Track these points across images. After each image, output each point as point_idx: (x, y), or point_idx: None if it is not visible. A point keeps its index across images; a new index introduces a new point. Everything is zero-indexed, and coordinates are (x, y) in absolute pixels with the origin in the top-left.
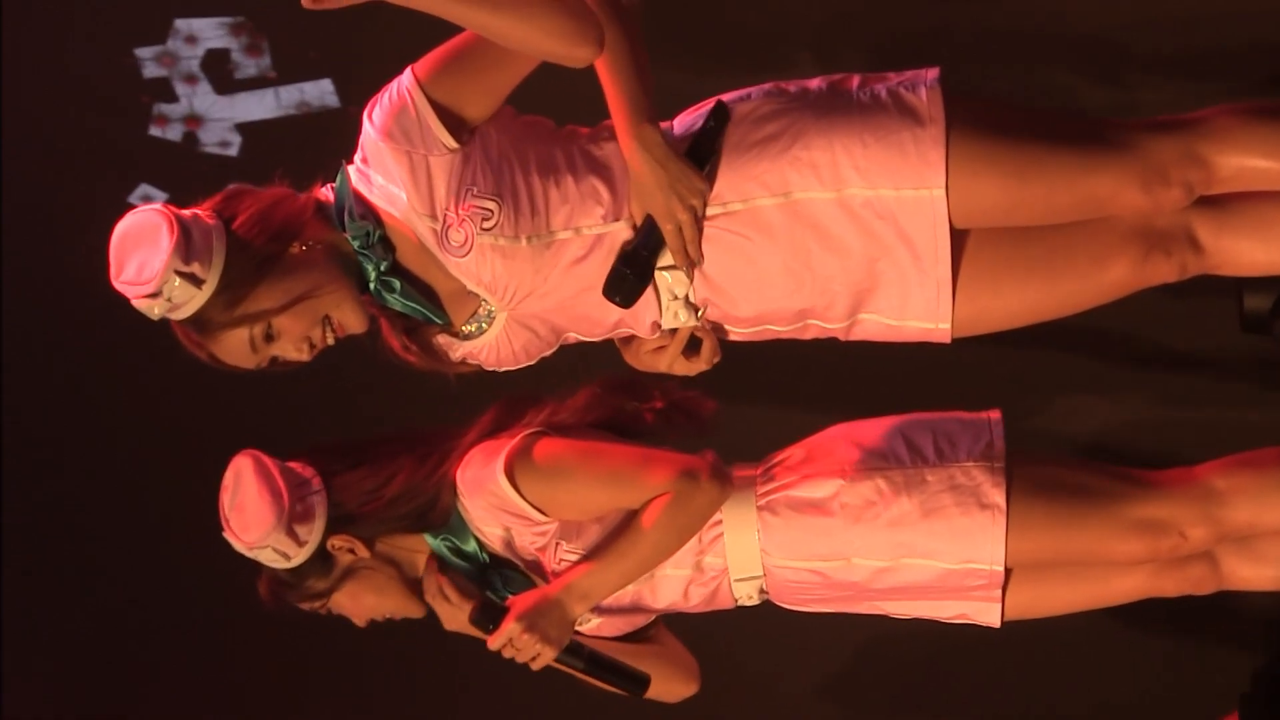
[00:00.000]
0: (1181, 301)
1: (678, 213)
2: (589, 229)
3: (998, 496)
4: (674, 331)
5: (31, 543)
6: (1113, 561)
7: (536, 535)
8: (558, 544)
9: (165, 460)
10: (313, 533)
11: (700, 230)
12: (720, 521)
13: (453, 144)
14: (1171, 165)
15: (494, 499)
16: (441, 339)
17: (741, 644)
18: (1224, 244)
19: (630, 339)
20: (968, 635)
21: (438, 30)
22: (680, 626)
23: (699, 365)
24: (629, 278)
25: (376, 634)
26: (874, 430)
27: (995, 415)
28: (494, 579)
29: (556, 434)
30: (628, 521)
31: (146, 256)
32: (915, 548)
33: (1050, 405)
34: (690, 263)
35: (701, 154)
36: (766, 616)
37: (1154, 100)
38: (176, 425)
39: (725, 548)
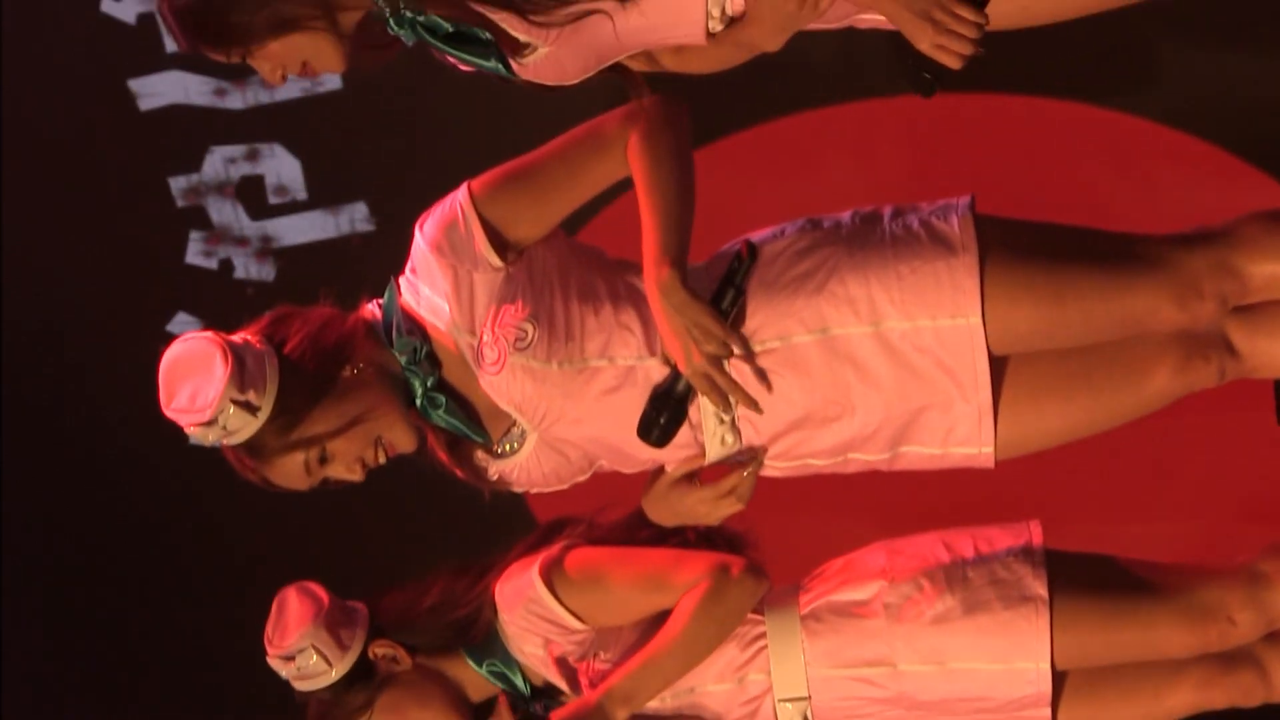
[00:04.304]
0: (1214, 402)
1: (694, 359)
2: (623, 360)
3: (1040, 588)
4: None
5: (32, 549)
6: (1162, 656)
7: (574, 645)
8: (595, 654)
9: (167, 468)
10: (355, 639)
11: (724, 374)
12: (764, 635)
13: (498, 263)
14: (1204, 278)
15: (532, 605)
16: (480, 455)
17: None
18: (1260, 346)
19: (652, 485)
20: None
21: (474, 155)
22: None
23: (725, 504)
24: (659, 421)
25: None
26: (913, 539)
27: (1035, 523)
28: (538, 713)
29: (592, 545)
30: (663, 618)
31: (200, 385)
32: (960, 650)
33: (1086, 511)
34: (726, 406)
35: (726, 297)
36: None
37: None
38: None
39: (769, 662)
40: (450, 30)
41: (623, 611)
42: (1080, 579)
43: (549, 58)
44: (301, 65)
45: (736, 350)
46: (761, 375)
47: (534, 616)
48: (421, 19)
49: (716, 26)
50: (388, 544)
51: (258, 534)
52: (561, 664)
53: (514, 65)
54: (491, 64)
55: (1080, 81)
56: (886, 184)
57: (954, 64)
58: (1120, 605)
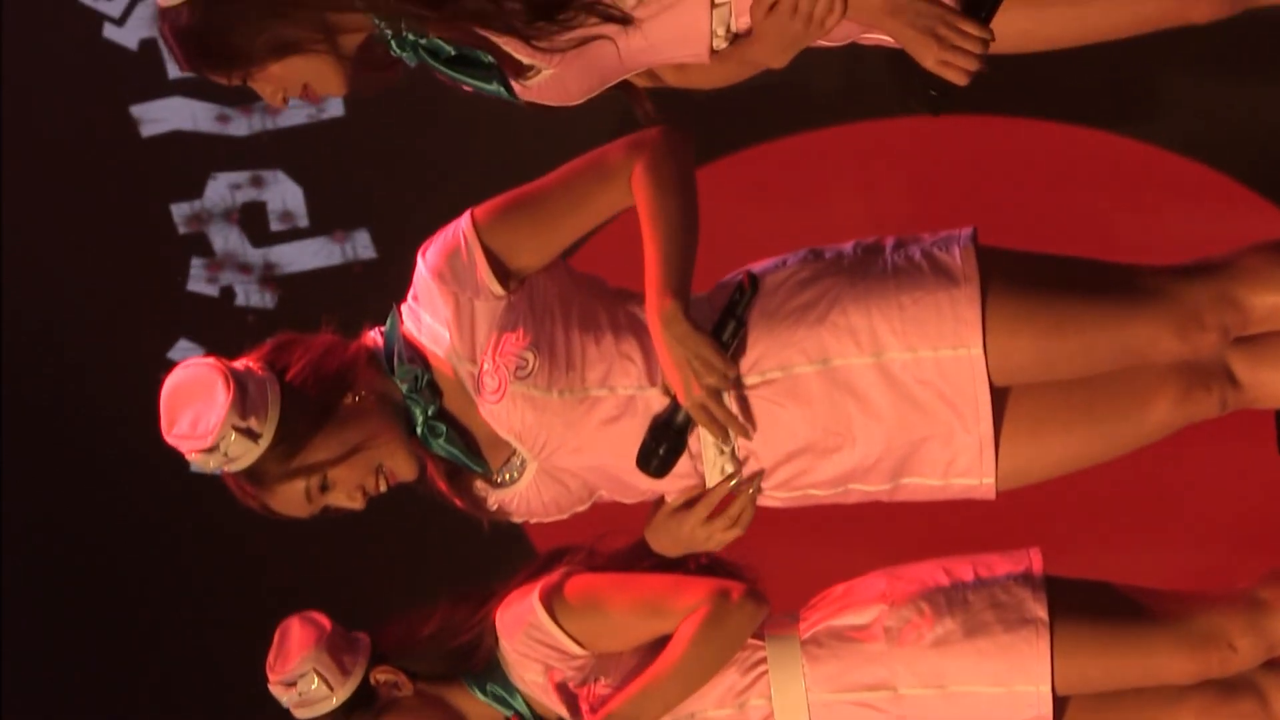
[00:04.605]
0: (1215, 431)
1: (694, 391)
2: (624, 389)
3: (1040, 611)
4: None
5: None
6: (1163, 682)
7: (574, 671)
8: (596, 679)
9: (166, 469)
10: (356, 665)
11: (722, 407)
12: (764, 660)
13: (500, 291)
14: (1206, 309)
15: (532, 631)
16: (479, 485)
17: None
18: (1262, 377)
19: (653, 516)
20: None
21: (477, 183)
22: None
23: (721, 524)
24: (658, 452)
25: None
26: (913, 565)
27: (1034, 550)
28: None
29: (592, 571)
30: (663, 644)
31: (201, 411)
32: (961, 673)
33: (1086, 539)
34: (724, 437)
35: (727, 328)
36: None
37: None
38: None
39: (770, 688)
40: (453, 53)
41: (623, 636)
42: (1080, 604)
43: (552, 79)
44: (302, 88)
45: (736, 382)
46: (763, 406)
47: (534, 642)
48: (424, 41)
49: (721, 44)
50: (387, 573)
51: (258, 534)
52: (562, 690)
53: (516, 86)
54: (493, 87)
55: (1086, 106)
56: (889, 205)
57: (960, 80)
58: (1121, 630)
